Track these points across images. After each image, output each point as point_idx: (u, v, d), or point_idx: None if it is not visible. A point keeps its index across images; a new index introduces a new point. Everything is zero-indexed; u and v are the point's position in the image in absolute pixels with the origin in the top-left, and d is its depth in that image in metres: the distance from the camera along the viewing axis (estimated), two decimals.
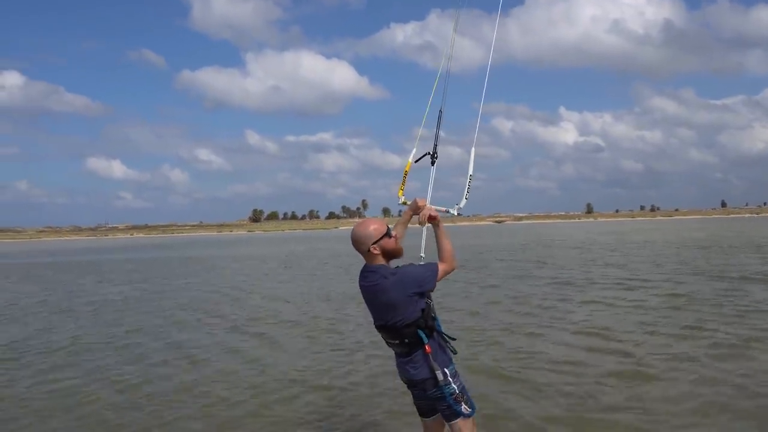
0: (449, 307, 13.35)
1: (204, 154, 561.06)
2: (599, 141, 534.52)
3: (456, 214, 4.43)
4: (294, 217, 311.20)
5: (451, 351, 4.14)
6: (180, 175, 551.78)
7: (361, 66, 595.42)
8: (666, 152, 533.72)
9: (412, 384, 4.15)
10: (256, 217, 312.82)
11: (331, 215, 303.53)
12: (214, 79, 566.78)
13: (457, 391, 4.04)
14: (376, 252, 4.02)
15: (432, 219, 4.23)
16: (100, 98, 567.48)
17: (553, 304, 13.72)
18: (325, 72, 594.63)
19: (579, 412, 6.45)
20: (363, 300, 4.23)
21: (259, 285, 21.39)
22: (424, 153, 4.64)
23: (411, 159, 4.59)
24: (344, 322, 12.57)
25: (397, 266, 4.09)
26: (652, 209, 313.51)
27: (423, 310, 3.98)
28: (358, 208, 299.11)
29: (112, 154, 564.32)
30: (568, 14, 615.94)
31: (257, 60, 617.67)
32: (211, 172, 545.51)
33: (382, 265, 4.05)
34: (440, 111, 4.71)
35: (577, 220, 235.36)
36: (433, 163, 4.62)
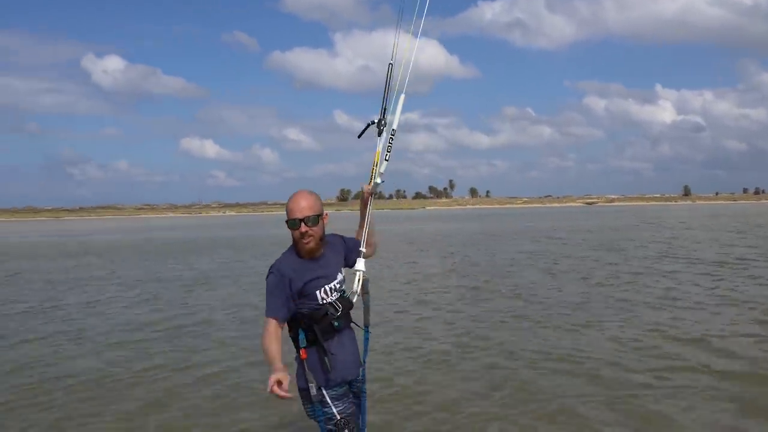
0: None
1: (293, 133, 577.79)
2: (699, 120, 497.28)
3: (380, 182, 3.87)
4: (381, 196, 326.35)
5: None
6: (270, 154, 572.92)
7: (450, 45, 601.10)
8: None
9: None
10: (343, 197, 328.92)
11: (418, 195, 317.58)
12: (303, 60, 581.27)
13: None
14: None
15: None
16: (195, 80, 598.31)
17: None
18: (414, 51, 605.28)
19: None
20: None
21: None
22: (368, 123, 4.00)
23: (379, 148, 3.91)
24: None
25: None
26: (756, 192, 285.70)
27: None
28: (445, 188, 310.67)
29: (206, 134, 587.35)
30: None
31: (346, 40, 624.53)
32: (300, 151, 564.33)
33: None
34: (390, 64, 4.02)
35: (673, 203, 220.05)
36: (379, 134, 3.94)
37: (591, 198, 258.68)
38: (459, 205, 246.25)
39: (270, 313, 3.44)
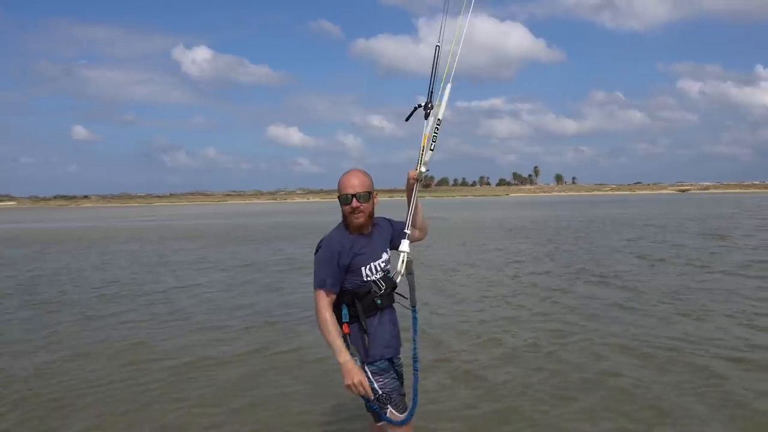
0: None
1: (376, 120, 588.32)
2: None
3: (425, 170, 3.79)
4: (464, 183, 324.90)
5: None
6: (353, 140, 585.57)
7: (536, 28, 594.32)
8: None
9: None
10: (426, 183, 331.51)
11: (502, 182, 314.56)
12: (386, 47, 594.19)
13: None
14: None
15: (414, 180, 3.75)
16: (281, 68, 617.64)
17: None
18: (499, 35, 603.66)
19: None
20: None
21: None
22: (415, 106, 3.88)
23: (426, 131, 3.82)
24: None
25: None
26: None
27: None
28: (529, 175, 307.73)
29: (291, 121, 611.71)
30: None
31: (429, 26, 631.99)
32: (383, 138, 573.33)
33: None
34: (437, 46, 3.85)
35: None
36: (427, 116, 3.84)
37: (684, 185, 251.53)
38: (544, 192, 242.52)
39: (320, 284, 3.55)
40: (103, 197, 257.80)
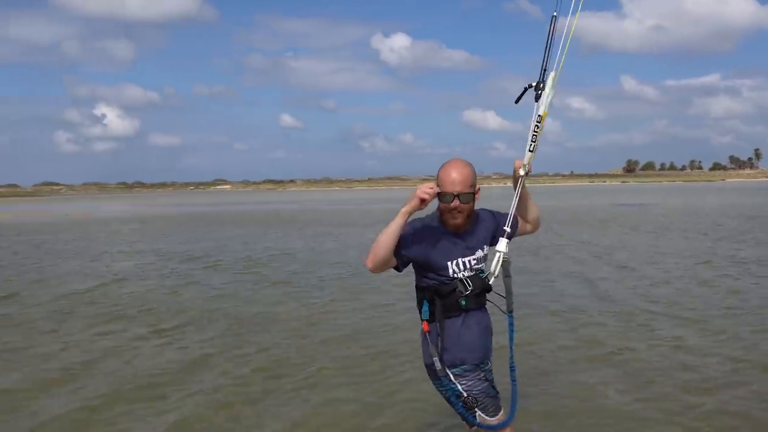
0: None
1: (577, 102, 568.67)
2: None
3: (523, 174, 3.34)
4: (672, 167, 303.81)
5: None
6: (551, 124, 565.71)
7: None
8: None
9: None
10: (630, 168, 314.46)
11: (716, 166, 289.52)
12: (589, 24, 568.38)
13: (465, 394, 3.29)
14: None
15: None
16: (478, 52, 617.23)
17: None
18: (716, 4, 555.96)
19: None
20: None
21: None
22: (525, 86, 3.37)
23: (540, 111, 3.31)
24: None
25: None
26: None
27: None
28: (749, 159, 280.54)
29: (488, 105, 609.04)
30: None
31: (633, 1, 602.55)
32: (584, 120, 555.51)
33: None
34: (553, 16, 3.31)
35: None
36: (537, 98, 3.32)
37: None
38: (766, 177, 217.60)
39: None
40: (307, 181, 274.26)
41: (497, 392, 3.43)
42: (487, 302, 3.44)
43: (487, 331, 3.43)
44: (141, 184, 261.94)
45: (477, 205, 3.40)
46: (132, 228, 31.50)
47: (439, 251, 3.28)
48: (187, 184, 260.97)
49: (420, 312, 3.36)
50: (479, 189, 3.33)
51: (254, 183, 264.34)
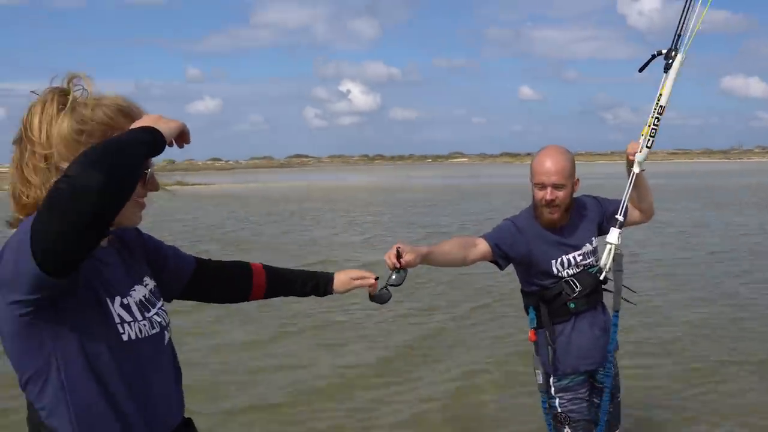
0: None
1: None
2: None
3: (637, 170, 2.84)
4: None
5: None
6: None
7: None
8: None
9: None
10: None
11: None
12: None
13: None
14: None
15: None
16: (742, 10, 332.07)
17: None
18: None
19: None
20: None
21: None
22: (653, 53, 2.86)
23: (663, 88, 2.79)
24: None
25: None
26: None
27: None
28: None
29: (751, 71, 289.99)
30: None
31: None
32: None
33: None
34: None
35: None
36: (667, 69, 2.79)
37: None
38: None
39: (487, 236, 2.91)
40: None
41: (605, 417, 2.99)
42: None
43: (603, 334, 2.99)
44: (381, 157, 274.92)
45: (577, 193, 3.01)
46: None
47: (541, 251, 2.90)
48: (424, 157, 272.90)
49: (528, 320, 3.03)
50: (578, 180, 2.91)
51: (491, 156, 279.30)
